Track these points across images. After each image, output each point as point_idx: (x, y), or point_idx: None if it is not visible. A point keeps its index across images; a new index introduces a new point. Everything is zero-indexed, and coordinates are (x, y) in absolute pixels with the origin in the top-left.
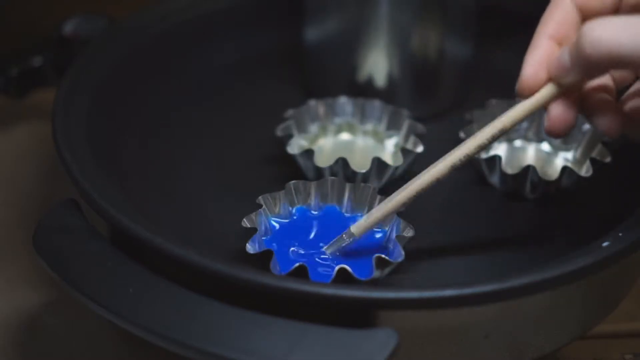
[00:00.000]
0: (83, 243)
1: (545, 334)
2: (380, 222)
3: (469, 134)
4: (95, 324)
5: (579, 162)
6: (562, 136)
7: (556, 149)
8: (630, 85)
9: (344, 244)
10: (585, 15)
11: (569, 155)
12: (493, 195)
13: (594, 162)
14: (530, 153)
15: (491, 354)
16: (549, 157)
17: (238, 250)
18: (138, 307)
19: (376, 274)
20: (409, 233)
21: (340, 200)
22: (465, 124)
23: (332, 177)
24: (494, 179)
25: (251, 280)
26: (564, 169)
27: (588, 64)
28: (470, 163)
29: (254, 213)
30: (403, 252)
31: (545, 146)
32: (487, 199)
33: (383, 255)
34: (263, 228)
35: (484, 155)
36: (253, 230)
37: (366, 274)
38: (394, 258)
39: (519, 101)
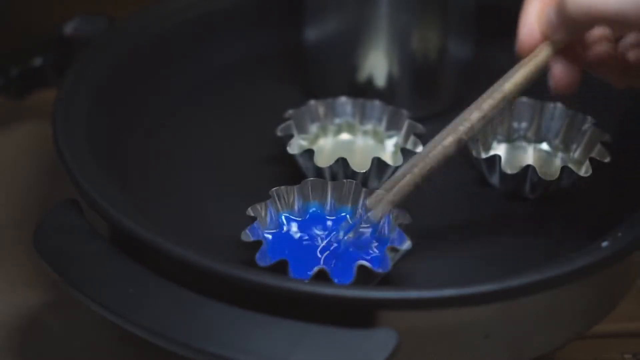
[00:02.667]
0: (83, 243)
1: (545, 334)
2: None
3: None
4: (95, 324)
5: (578, 162)
6: (569, 93)
7: (556, 149)
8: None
9: (362, 230)
10: None
11: (569, 155)
12: (493, 195)
13: (593, 162)
14: (530, 153)
15: (491, 354)
16: (548, 157)
17: (238, 250)
18: (138, 307)
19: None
20: (401, 218)
21: (323, 199)
22: None
23: (312, 179)
24: (494, 179)
25: (251, 280)
26: (564, 168)
27: (572, 23)
28: (470, 163)
29: (248, 227)
30: (409, 240)
31: (545, 146)
32: (487, 199)
33: (395, 245)
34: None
35: (484, 155)
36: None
37: (379, 266)
38: (401, 246)
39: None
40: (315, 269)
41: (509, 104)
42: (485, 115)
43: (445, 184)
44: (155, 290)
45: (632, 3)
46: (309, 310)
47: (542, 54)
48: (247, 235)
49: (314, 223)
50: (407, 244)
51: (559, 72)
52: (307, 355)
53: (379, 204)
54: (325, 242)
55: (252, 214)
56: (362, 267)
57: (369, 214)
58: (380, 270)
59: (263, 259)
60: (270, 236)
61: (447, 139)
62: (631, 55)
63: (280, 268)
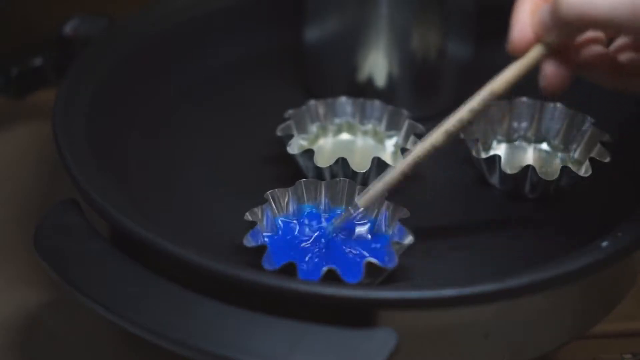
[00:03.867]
0: (83, 243)
1: (545, 333)
2: (384, 194)
3: (468, 134)
4: (95, 324)
5: (578, 162)
6: (559, 94)
7: (556, 149)
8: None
9: (350, 218)
10: None
11: (569, 155)
12: (493, 195)
13: (593, 162)
14: (530, 153)
15: (491, 354)
16: (548, 157)
17: (238, 250)
18: (138, 307)
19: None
20: (399, 213)
21: (317, 199)
22: None
23: (305, 179)
24: (494, 179)
25: (251, 280)
26: (564, 169)
27: (565, 25)
28: (471, 163)
29: (249, 233)
30: (410, 235)
31: (545, 146)
32: (487, 199)
33: (397, 240)
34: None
35: (484, 155)
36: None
37: (385, 261)
38: (404, 240)
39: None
40: (324, 268)
41: (503, 101)
42: (472, 108)
43: (445, 184)
44: (155, 290)
45: (625, 7)
46: (309, 310)
47: (534, 53)
48: (249, 241)
49: (311, 223)
50: (409, 238)
51: (550, 73)
52: (307, 355)
53: (366, 194)
54: (324, 241)
55: (250, 219)
56: (369, 263)
57: (356, 200)
58: (388, 266)
59: (269, 263)
60: (270, 240)
61: (435, 132)
62: (623, 57)
63: (286, 270)
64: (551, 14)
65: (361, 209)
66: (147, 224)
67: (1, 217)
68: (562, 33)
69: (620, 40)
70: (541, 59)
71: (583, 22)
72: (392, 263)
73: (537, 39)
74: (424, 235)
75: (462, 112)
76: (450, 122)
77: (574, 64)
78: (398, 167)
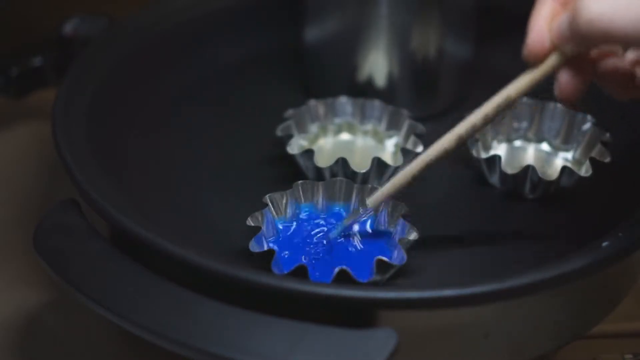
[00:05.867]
0: (83, 243)
1: (545, 333)
2: (394, 194)
3: None
4: (95, 324)
5: (578, 162)
6: (574, 102)
7: (556, 149)
8: None
9: (360, 218)
10: None
11: (569, 155)
12: (493, 195)
13: (593, 162)
14: (530, 153)
15: (491, 354)
16: (548, 157)
17: (238, 250)
18: (138, 307)
19: (396, 254)
20: (400, 210)
21: (315, 200)
22: None
23: (302, 181)
24: (494, 179)
25: (251, 280)
26: (564, 168)
27: (583, 39)
28: (470, 163)
29: (254, 238)
30: (415, 231)
31: (545, 146)
32: (487, 199)
33: (402, 237)
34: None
35: (484, 155)
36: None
37: (393, 259)
38: (409, 236)
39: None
40: (336, 269)
41: (511, 106)
42: (486, 114)
43: (445, 184)
44: (155, 290)
45: None
46: (309, 310)
47: (549, 62)
48: (255, 246)
49: (311, 225)
50: (413, 234)
51: (565, 82)
52: (307, 355)
53: (375, 194)
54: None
55: (252, 224)
56: (380, 261)
57: (366, 200)
58: (398, 262)
59: (278, 267)
60: (274, 244)
61: (447, 135)
62: (639, 70)
63: (296, 274)
64: (570, 26)
65: (370, 209)
66: (147, 224)
67: (1, 217)
68: (580, 45)
69: (636, 53)
70: (557, 67)
71: (601, 37)
72: (401, 260)
73: (554, 48)
74: (424, 235)
75: (476, 118)
76: (463, 127)
77: (589, 74)
78: (408, 169)
